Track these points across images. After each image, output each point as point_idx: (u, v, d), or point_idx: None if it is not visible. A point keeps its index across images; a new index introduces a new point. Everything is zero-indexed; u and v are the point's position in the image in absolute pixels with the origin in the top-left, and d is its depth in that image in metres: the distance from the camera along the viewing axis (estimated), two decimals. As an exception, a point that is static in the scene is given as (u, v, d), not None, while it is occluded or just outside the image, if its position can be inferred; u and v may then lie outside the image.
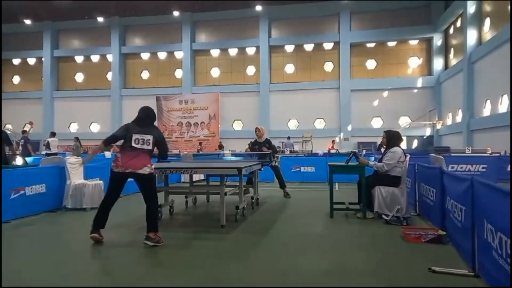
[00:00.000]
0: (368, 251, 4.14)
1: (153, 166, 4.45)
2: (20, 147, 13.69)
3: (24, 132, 13.52)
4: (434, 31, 24.38)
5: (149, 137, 4.38)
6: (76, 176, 6.96)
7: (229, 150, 21.01)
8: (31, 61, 30.12)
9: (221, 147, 22.85)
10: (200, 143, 23.07)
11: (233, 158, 13.14)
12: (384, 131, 5.86)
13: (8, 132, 9.79)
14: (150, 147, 4.39)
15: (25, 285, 3.18)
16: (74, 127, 29.04)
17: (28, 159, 11.19)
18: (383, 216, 5.36)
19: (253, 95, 26.73)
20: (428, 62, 25.26)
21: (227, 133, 26.43)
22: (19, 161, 9.89)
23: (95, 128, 28.96)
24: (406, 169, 5.54)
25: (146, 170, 4.35)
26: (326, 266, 3.60)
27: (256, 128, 8.46)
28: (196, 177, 8.54)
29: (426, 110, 24.15)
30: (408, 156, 5.61)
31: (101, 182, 7.12)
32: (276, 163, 8.46)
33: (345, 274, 3.39)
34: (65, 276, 3.43)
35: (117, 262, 3.86)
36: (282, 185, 8.38)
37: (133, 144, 4.31)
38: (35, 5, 25.63)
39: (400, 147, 5.66)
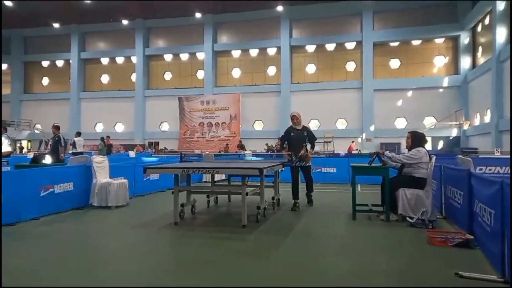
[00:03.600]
0: (392, 254, 4.06)
1: None
2: (49, 147, 14.15)
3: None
4: (461, 29, 23.65)
5: None
6: (102, 175, 7.15)
7: (250, 150, 21.06)
8: (59, 63, 31.17)
9: (240, 146, 22.88)
10: (227, 145, 23.28)
11: (254, 158, 13.18)
12: (409, 132, 5.72)
13: (37, 131, 10.40)
14: None
15: (47, 279, 3.29)
16: (99, 127, 29.84)
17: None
18: (408, 219, 5.24)
19: (274, 96, 26.71)
20: (455, 61, 24.53)
21: (248, 133, 26.50)
22: (48, 160, 10.26)
23: (119, 128, 29.66)
24: (431, 171, 5.39)
25: None
26: (349, 268, 3.56)
27: (294, 115, 7.22)
28: (217, 176, 8.61)
29: (452, 110, 23.48)
30: (434, 157, 5.46)
31: (125, 181, 7.29)
32: (310, 163, 7.13)
33: (369, 277, 3.34)
34: (87, 271, 3.53)
35: (137, 260, 3.92)
36: (310, 189, 7.21)
37: None
38: (62, 8, 26.46)
39: (424, 148, 5.52)
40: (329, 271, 3.49)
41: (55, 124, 10.41)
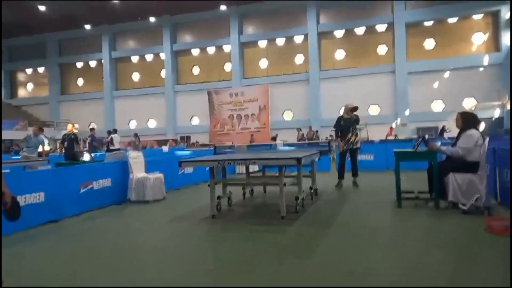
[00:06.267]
0: (449, 246, 3.71)
1: None
2: (87, 145, 14.63)
3: (91, 130, 14.49)
4: (501, 3, 22.06)
5: None
6: (138, 170, 7.19)
7: (281, 140, 20.81)
8: (92, 63, 32.08)
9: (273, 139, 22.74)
10: (252, 135, 23.36)
11: (287, 148, 12.93)
12: (459, 113, 5.28)
13: (76, 131, 10.99)
14: None
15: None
16: (133, 124, 30.55)
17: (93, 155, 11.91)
18: (460, 206, 4.86)
19: (303, 84, 26.19)
20: (495, 38, 22.96)
21: (277, 124, 26.21)
22: (86, 157, 10.54)
23: (152, 124, 30.24)
24: (485, 153, 4.96)
25: None
26: (404, 267, 3.26)
27: (355, 107, 7.89)
28: (251, 168, 8.47)
29: (494, 90, 22.06)
30: (487, 138, 5.02)
31: (161, 175, 7.30)
32: (358, 145, 8.04)
33: (427, 277, 2.99)
34: (127, 268, 3.48)
35: (175, 256, 3.82)
36: (356, 173, 7.92)
37: None
38: (93, 10, 27.11)
39: (477, 129, 5.08)
40: (382, 271, 3.18)
41: (39, 126, 11.34)
